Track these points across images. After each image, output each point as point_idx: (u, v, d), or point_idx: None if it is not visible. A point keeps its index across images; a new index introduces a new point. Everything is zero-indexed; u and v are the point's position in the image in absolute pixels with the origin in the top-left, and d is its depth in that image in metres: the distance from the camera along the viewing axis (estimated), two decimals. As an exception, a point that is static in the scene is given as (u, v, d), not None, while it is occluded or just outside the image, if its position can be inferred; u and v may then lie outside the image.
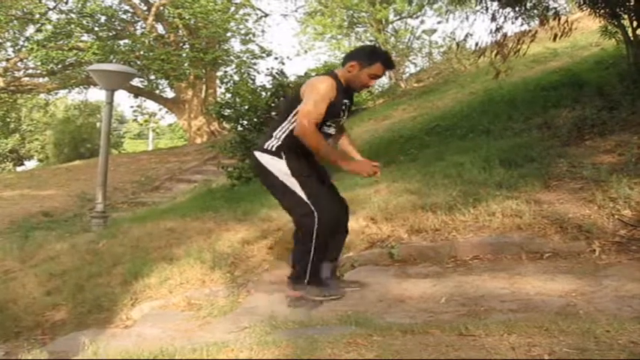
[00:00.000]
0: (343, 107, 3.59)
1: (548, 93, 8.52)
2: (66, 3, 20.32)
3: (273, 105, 8.98)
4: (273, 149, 3.48)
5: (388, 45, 21.29)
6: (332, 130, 3.62)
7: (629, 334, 2.31)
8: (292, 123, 3.45)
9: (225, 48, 22.73)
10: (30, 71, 22.52)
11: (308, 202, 3.40)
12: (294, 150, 3.44)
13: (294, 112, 3.46)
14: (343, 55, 3.85)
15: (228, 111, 9.75)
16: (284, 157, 3.45)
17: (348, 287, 3.73)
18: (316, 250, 3.44)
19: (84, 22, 19.75)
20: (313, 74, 10.14)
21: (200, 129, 23.30)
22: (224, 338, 2.91)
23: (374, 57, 3.54)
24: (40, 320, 4.53)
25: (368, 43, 22.86)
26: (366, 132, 12.80)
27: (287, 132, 3.48)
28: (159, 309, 4.18)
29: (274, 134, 3.52)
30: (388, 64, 3.60)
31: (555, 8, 8.05)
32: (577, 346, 2.22)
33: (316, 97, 3.36)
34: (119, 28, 21.34)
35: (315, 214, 3.38)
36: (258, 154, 3.56)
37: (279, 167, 3.46)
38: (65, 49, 19.35)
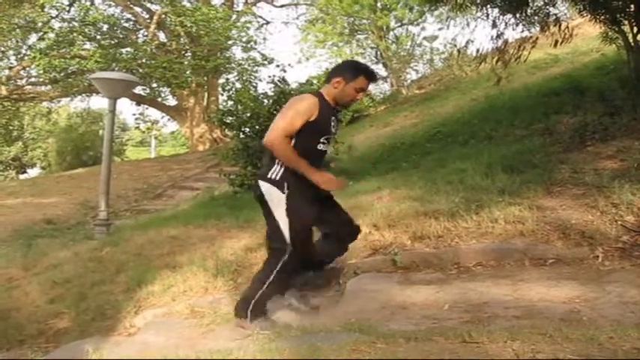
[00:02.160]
0: (332, 123, 3.61)
1: (550, 99, 8.54)
2: (68, 11, 20.42)
3: (275, 112, 8.97)
4: (277, 178, 3.46)
5: (389, 52, 21.35)
6: (327, 148, 3.63)
7: (633, 340, 2.31)
8: (294, 142, 3.44)
9: (227, 56, 22.76)
10: (32, 79, 22.61)
11: (287, 239, 3.41)
12: (298, 178, 3.42)
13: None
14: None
15: (231, 118, 9.75)
16: (285, 188, 3.43)
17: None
18: (271, 284, 3.43)
19: (86, 30, 19.80)
20: (315, 81, 10.19)
21: (202, 136, 23.33)
22: (227, 346, 2.91)
23: (357, 71, 3.60)
24: (44, 328, 4.53)
25: (369, 50, 22.97)
26: (367, 139, 12.81)
27: None
28: (162, 317, 4.18)
29: (277, 160, 3.49)
30: (371, 76, 3.67)
31: (556, 14, 8.07)
32: (581, 352, 2.22)
33: (292, 113, 3.42)
34: (121, 36, 21.37)
35: (287, 254, 3.40)
36: (261, 183, 3.53)
37: (275, 199, 3.44)
38: (68, 57, 19.41)
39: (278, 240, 3.46)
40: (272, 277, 3.41)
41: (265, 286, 3.42)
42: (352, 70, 3.61)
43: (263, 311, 3.45)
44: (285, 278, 3.49)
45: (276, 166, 3.47)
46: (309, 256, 3.54)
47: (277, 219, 3.43)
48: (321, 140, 3.53)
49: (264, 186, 3.49)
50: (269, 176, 3.47)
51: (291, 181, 3.42)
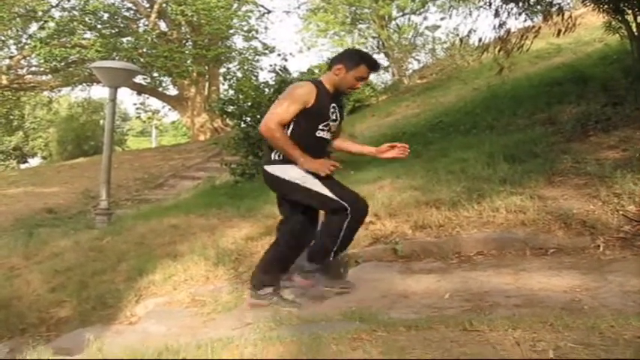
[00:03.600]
0: (332, 110, 3.59)
1: (552, 89, 8.51)
2: (69, 0, 20.39)
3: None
4: (281, 157, 3.47)
5: (391, 41, 21.28)
6: (326, 135, 3.61)
7: (634, 329, 2.31)
8: (290, 129, 3.47)
9: (228, 45, 22.76)
10: (33, 69, 22.56)
11: (336, 198, 3.40)
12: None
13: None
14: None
15: (232, 108, 9.74)
16: (292, 163, 3.43)
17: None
18: (341, 242, 3.47)
19: (87, 19, 19.77)
20: (316, 70, 10.16)
21: (203, 126, 23.31)
22: (228, 334, 2.90)
23: (359, 59, 3.60)
24: (45, 317, 4.54)
25: (371, 39, 22.90)
26: (368, 129, 12.78)
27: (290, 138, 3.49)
28: (163, 305, 4.19)
29: None
30: (373, 65, 3.67)
31: (559, 4, 8.02)
32: (582, 341, 2.21)
33: (288, 99, 3.45)
34: (122, 25, 21.33)
35: (348, 209, 3.39)
36: (268, 167, 3.55)
37: (292, 174, 3.44)
38: (68, 46, 19.39)
39: (326, 203, 3.44)
40: (340, 236, 3.44)
41: (335, 246, 3.47)
42: (354, 58, 3.60)
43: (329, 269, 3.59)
44: (348, 235, 3.50)
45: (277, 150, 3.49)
46: (361, 205, 3.54)
47: (308, 186, 3.42)
48: (320, 127, 3.52)
49: (273, 167, 3.50)
50: (273, 158, 3.50)
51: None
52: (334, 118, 3.61)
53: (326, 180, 3.43)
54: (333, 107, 3.60)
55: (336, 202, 3.40)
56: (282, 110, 3.41)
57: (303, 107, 3.42)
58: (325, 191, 3.41)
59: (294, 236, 3.59)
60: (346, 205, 3.39)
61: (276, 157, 3.50)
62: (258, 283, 3.59)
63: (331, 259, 3.55)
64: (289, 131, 3.46)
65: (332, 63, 3.65)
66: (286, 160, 3.45)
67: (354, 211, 3.42)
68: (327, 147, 3.73)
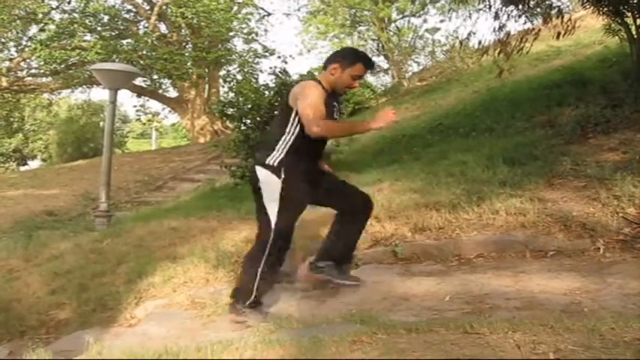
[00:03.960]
0: (334, 109, 3.61)
1: (552, 91, 8.50)
2: (69, 3, 20.33)
3: (276, 104, 8.95)
4: (275, 164, 3.46)
5: (391, 44, 21.30)
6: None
7: (635, 331, 2.31)
8: (292, 133, 3.47)
9: (228, 47, 22.72)
10: (33, 71, 22.50)
11: (272, 226, 3.40)
12: (296, 163, 3.45)
13: (291, 122, 3.49)
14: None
15: (232, 110, 9.72)
16: (282, 176, 3.43)
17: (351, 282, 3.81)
18: (264, 271, 3.42)
19: (87, 21, 19.74)
20: (316, 73, 10.15)
21: (203, 128, 23.29)
22: (228, 337, 2.91)
23: (354, 58, 3.60)
24: (45, 319, 4.53)
25: (371, 42, 22.92)
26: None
27: (289, 144, 3.48)
28: (163, 308, 4.19)
29: (277, 147, 3.50)
30: (368, 63, 3.68)
31: (559, 6, 8.03)
32: (582, 343, 2.22)
33: (312, 99, 3.41)
34: (122, 27, 21.32)
35: (270, 241, 3.40)
36: (258, 168, 3.54)
37: (270, 186, 3.44)
38: (68, 48, 19.36)
39: (264, 226, 3.46)
40: (262, 266, 3.40)
41: (258, 276, 3.40)
42: (349, 56, 3.61)
43: (258, 302, 3.48)
44: (274, 263, 3.47)
45: (275, 152, 3.48)
46: (283, 245, 3.50)
47: (266, 205, 3.44)
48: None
49: (262, 172, 3.50)
50: (267, 162, 3.48)
51: (288, 167, 3.43)
52: (335, 117, 3.62)
53: (288, 211, 3.43)
54: (334, 106, 3.61)
55: (268, 228, 3.41)
56: (315, 109, 3.37)
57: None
58: (272, 216, 3.41)
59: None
60: (272, 236, 3.40)
61: (271, 162, 3.47)
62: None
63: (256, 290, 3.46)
64: (294, 132, 3.46)
65: (327, 62, 3.64)
66: (277, 170, 3.44)
67: (275, 246, 3.41)
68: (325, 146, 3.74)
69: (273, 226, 3.40)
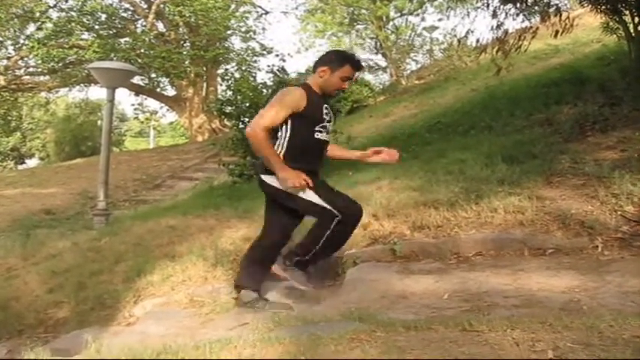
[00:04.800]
0: (326, 112, 3.61)
1: (550, 89, 8.51)
2: (66, 1, 20.34)
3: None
4: None
5: (389, 42, 21.31)
6: (324, 136, 3.62)
7: (633, 329, 2.31)
8: (285, 137, 3.50)
9: (226, 46, 22.73)
10: (31, 69, 22.50)
11: (327, 206, 3.43)
12: (296, 161, 3.46)
13: (283, 125, 3.51)
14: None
15: (230, 108, 9.73)
16: None
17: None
18: (325, 245, 3.48)
19: (84, 20, 19.74)
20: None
21: (201, 127, 23.28)
22: (227, 335, 2.90)
23: (342, 60, 3.61)
24: (43, 318, 4.53)
25: (369, 40, 22.92)
26: (367, 129, 12.79)
27: (285, 146, 3.51)
28: (161, 306, 4.18)
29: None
30: (356, 65, 3.69)
31: (556, 4, 8.02)
32: (581, 341, 2.22)
33: (277, 105, 3.47)
34: (119, 26, 21.31)
35: (340, 217, 3.41)
36: (264, 177, 3.55)
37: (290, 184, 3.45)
38: (66, 47, 19.38)
39: (321, 213, 3.47)
40: (324, 237, 3.46)
41: (319, 246, 3.49)
42: (337, 59, 3.62)
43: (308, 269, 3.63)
44: (335, 240, 3.53)
45: None
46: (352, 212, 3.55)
47: (305, 197, 3.44)
48: (316, 129, 3.55)
49: (269, 179, 3.51)
50: (267, 166, 3.49)
51: (289, 165, 3.44)
52: (328, 119, 3.63)
53: (318, 188, 3.46)
54: (326, 108, 3.63)
55: (328, 211, 3.42)
56: (271, 115, 3.43)
57: (293, 112, 3.45)
58: (317, 200, 3.44)
59: (273, 241, 3.68)
60: (336, 212, 3.42)
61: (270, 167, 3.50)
62: (241, 284, 3.71)
63: (307, 258, 3.57)
64: (287, 137, 3.49)
65: (316, 65, 3.66)
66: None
67: (346, 217, 3.45)
68: (326, 149, 3.73)
69: (327, 205, 3.42)
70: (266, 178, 3.54)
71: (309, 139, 3.52)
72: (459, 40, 12.91)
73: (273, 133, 3.55)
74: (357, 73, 3.83)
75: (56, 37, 19.11)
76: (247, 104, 9.27)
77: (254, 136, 3.41)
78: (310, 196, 3.43)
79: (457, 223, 4.48)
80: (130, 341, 3.25)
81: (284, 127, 3.50)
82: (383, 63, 23.37)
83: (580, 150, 5.59)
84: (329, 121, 3.65)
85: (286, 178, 3.35)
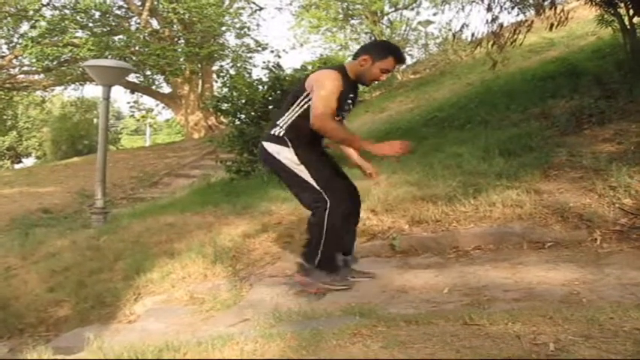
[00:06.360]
0: (349, 100, 3.61)
1: (546, 83, 8.52)
2: (60, -1, 20.26)
3: (270, 98, 8.95)
4: (279, 135, 3.52)
5: (384, 37, 21.27)
6: (340, 123, 3.62)
7: (633, 321, 2.33)
8: (296, 112, 3.51)
9: (221, 42, 22.65)
10: (25, 68, 22.40)
11: (318, 188, 3.42)
12: (299, 137, 3.49)
13: (298, 102, 3.52)
14: (357, 49, 3.88)
15: (226, 105, 9.71)
16: (290, 145, 3.48)
17: (360, 277, 3.75)
18: (328, 237, 3.44)
19: (78, 18, 19.66)
20: (309, 67, 10.14)
21: (197, 124, 23.24)
22: (228, 331, 2.91)
23: (386, 51, 3.59)
24: (44, 317, 4.54)
25: (363, 35, 22.88)
26: (363, 124, 12.80)
27: (291, 120, 3.52)
28: (162, 303, 4.20)
29: (278, 123, 3.57)
30: (400, 58, 3.67)
31: (551, -3, 8.02)
32: (582, 333, 2.23)
33: (325, 93, 3.38)
34: (113, 23, 21.22)
35: (328, 202, 3.39)
36: (266, 143, 3.59)
37: (286, 155, 3.49)
38: (60, 45, 19.29)
39: (308, 192, 3.47)
40: (324, 231, 3.42)
41: (322, 242, 3.44)
42: (382, 50, 3.60)
43: (332, 266, 3.57)
44: (335, 229, 3.46)
45: (278, 128, 3.55)
46: (342, 201, 3.49)
47: (296, 172, 3.46)
48: (335, 116, 3.52)
49: (270, 146, 3.54)
50: (272, 133, 3.55)
51: (292, 137, 3.49)
52: (347, 108, 3.63)
53: (318, 170, 3.46)
54: (351, 98, 3.63)
55: (317, 193, 3.42)
56: (325, 106, 3.34)
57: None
58: (311, 180, 3.43)
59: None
60: (325, 196, 3.40)
61: (275, 134, 3.54)
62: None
63: (320, 256, 3.50)
64: (298, 112, 3.50)
65: (358, 53, 3.63)
66: (283, 140, 3.50)
67: (334, 203, 3.40)
68: None
69: (318, 187, 3.42)
70: (268, 145, 3.56)
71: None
72: (454, 34, 12.88)
73: (287, 108, 3.58)
74: (397, 66, 3.80)
75: (50, 35, 19.03)
76: (243, 101, 9.25)
77: (321, 129, 3.35)
78: (305, 175, 3.44)
79: (455, 218, 4.49)
80: (132, 339, 3.26)
81: (299, 103, 3.51)
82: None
83: (577, 143, 5.60)
84: (347, 111, 3.65)
85: (382, 153, 3.36)
